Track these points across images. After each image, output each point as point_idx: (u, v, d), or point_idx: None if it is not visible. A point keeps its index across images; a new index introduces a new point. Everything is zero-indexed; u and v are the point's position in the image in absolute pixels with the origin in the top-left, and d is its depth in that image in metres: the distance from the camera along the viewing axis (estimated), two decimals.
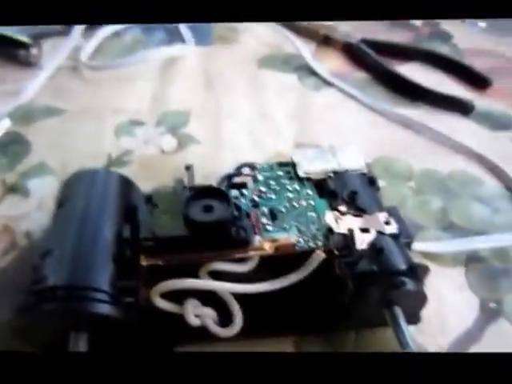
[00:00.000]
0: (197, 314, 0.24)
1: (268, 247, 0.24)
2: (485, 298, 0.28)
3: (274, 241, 0.24)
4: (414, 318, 0.24)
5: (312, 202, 0.26)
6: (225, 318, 0.24)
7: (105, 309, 0.22)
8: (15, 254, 0.31)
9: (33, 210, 0.34)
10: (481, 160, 0.37)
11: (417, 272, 0.23)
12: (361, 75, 0.47)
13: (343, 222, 0.24)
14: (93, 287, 0.22)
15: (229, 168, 0.30)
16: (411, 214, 0.33)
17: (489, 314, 0.28)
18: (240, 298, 0.24)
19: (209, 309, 0.24)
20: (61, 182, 0.29)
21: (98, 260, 0.23)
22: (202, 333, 0.24)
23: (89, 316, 0.22)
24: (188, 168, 0.29)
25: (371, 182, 0.28)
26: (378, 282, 0.23)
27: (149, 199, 0.26)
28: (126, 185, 0.28)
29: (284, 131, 0.40)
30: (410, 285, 0.23)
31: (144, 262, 0.23)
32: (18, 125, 0.41)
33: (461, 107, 0.42)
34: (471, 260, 0.30)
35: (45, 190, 0.35)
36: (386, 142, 0.39)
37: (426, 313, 0.25)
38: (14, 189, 0.35)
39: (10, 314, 0.26)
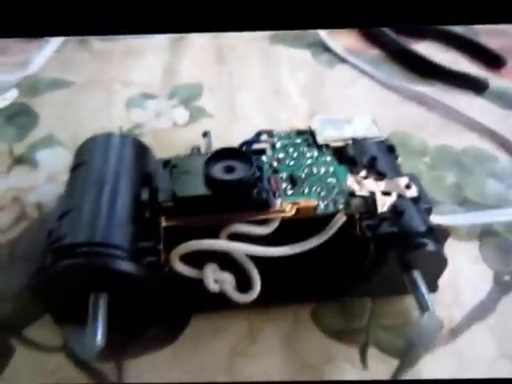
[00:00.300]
0: (216, 279, 0.24)
1: (289, 209, 0.24)
2: (499, 271, 0.29)
3: (295, 203, 0.24)
4: (432, 286, 0.25)
5: (331, 169, 0.27)
6: (243, 284, 0.24)
7: (125, 265, 0.22)
8: (25, 224, 0.31)
9: (42, 182, 0.34)
10: (494, 137, 0.38)
11: (437, 235, 0.24)
12: (375, 52, 0.47)
13: (364, 186, 0.24)
14: (113, 244, 0.22)
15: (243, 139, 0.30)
16: (426, 189, 0.33)
17: (503, 287, 0.28)
18: (259, 263, 0.24)
19: (228, 274, 0.24)
20: (70, 154, 0.29)
21: (116, 220, 0.24)
22: (220, 298, 0.24)
23: (109, 273, 0.22)
24: (205, 134, 0.29)
25: (390, 149, 0.28)
26: (399, 244, 0.23)
27: (166, 163, 0.27)
28: (141, 149, 0.29)
29: (297, 107, 0.41)
30: (430, 246, 0.23)
31: (164, 223, 0.24)
32: (25, 96, 0.42)
33: (475, 85, 0.42)
34: (485, 234, 0.31)
35: (54, 162, 0.35)
36: (399, 118, 0.39)
37: (441, 284, 0.26)
38: (22, 160, 0.36)
39: (23, 283, 0.27)
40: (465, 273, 0.29)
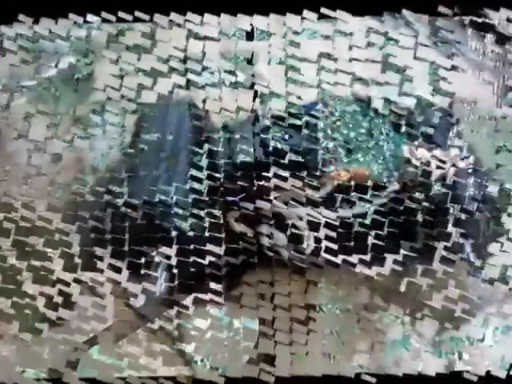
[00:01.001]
0: (269, 237, 0.26)
1: (343, 176, 0.26)
2: None
3: (348, 170, 0.26)
4: (482, 252, 0.26)
5: (387, 137, 0.28)
6: (295, 245, 0.26)
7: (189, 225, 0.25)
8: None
9: (101, 142, 0.36)
10: None
11: (493, 205, 0.25)
12: None
13: (419, 155, 0.25)
14: (179, 206, 0.25)
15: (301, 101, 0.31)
16: (487, 154, 0.33)
17: None
18: (311, 224, 0.26)
19: (281, 233, 0.26)
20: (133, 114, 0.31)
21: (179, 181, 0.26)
22: (273, 257, 0.26)
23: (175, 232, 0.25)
24: (261, 100, 0.31)
25: (450, 117, 0.29)
26: (453, 213, 0.24)
27: (224, 127, 0.28)
28: (197, 113, 0.30)
29: None
30: (483, 216, 0.24)
31: (223, 187, 0.26)
32: (82, 58, 0.43)
33: None
34: None
35: (111, 124, 0.37)
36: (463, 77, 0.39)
37: (493, 249, 0.27)
38: (79, 120, 0.38)
39: None
40: None
